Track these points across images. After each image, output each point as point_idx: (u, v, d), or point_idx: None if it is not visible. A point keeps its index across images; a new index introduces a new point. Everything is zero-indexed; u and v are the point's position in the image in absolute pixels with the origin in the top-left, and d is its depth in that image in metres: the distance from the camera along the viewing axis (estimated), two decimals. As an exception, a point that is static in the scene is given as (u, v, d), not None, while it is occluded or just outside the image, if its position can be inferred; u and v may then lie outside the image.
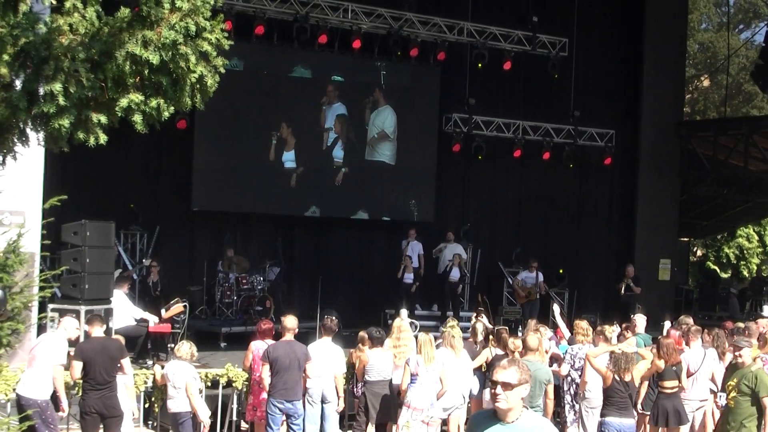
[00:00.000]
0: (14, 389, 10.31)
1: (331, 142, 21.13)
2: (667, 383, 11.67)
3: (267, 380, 10.91)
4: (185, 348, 11.12)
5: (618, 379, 10.65)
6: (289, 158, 20.67)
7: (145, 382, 11.78)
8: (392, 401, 11.63)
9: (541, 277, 21.20)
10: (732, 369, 10.78)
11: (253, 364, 11.64)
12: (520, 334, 14.19)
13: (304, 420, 11.29)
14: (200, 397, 11.34)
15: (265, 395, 11.38)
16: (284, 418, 11.06)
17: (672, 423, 11.73)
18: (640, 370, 11.52)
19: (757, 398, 10.02)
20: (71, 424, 11.22)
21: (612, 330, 12.21)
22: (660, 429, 11.93)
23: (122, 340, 11.35)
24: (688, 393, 12.37)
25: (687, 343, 12.82)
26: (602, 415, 10.81)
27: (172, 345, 13.62)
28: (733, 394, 10.22)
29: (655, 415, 11.62)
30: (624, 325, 13.99)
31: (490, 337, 12.69)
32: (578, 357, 12.05)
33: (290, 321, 11.29)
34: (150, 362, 14.16)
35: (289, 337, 11.17)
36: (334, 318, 12.19)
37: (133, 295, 16.80)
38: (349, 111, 21.36)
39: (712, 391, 12.84)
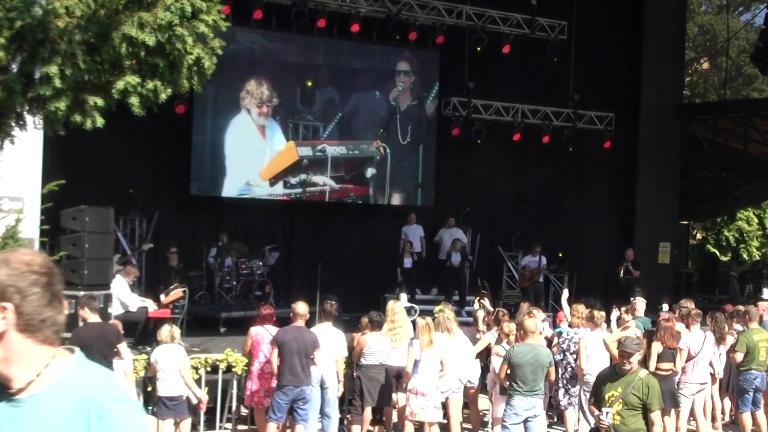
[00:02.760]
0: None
1: (324, 126, 21.11)
2: (663, 365, 11.70)
3: (275, 364, 10.91)
4: (165, 331, 11.19)
5: None
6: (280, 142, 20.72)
7: (145, 368, 11.78)
8: (388, 386, 11.65)
9: (544, 261, 21.20)
10: (612, 376, 8.71)
11: (252, 350, 11.64)
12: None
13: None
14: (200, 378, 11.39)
15: (265, 381, 11.41)
16: (290, 404, 11.01)
17: (667, 405, 11.75)
18: (657, 351, 11.57)
19: (647, 412, 8.37)
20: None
21: (601, 315, 12.21)
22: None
23: (120, 325, 11.35)
24: (689, 376, 12.42)
25: (687, 327, 12.86)
26: None
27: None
28: (618, 407, 8.41)
29: None
30: (624, 309, 13.99)
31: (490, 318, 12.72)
32: (573, 341, 12.08)
33: (301, 307, 11.30)
34: (150, 348, 14.14)
35: (300, 323, 11.17)
36: (333, 303, 12.19)
37: (130, 283, 16.78)
38: (347, 95, 21.34)
39: (710, 374, 12.89)
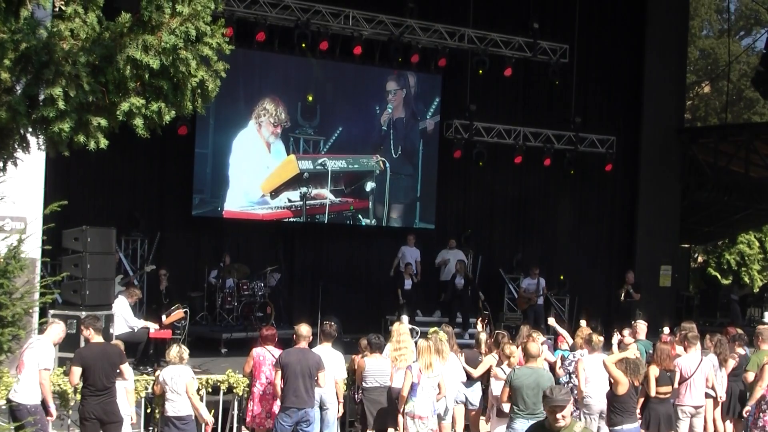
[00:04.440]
0: (7, 396, 10.24)
1: (324, 140, 21.25)
2: (661, 389, 11.69)
3: (279, 386, 10.89)
4: (174, 351, 11.16)
5: (634, 385, 10.67)
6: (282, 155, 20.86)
7: (146, 388, 11.76)
8: (390, 408, 11.62)
9: (543, 283, 21.17)
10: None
11: (254, 371, 11.62)
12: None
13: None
14: (201, 399, 11.37)
15: (266, 403, 11.39)
16: (293, 426, 10.97)
17: (663, 428, 11.75)
18: (654, 374, 11.56)
19: None
20: (72, 430, 11.21)
21: (599, 340, 12.17)
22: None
23: (122, 345, 11.35)
24: (683, 399, 12.39)
25: (685, 349, 12.83)
26: (615, 423, 10.71)
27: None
28: None
29: (647, 420, 11.62)
30: (627, 331, 13.93)
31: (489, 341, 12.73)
32: (575, 362, 12.06)
33: (304, 329, 11.25)
34: (150, 368, 14.14)
35: (303, 344, 11.15)
36: (333, 324, 12.16)
37: (134, 305, 16.82)
38: (347, 109, 21.50)
39: (709, 396, 12.84)
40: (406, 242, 21.03)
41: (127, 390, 10.91)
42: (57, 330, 10.53)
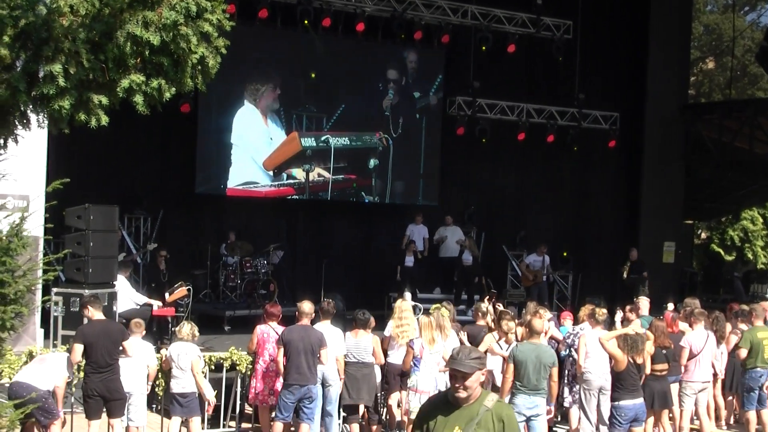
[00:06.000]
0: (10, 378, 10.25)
1: (327, 117, 21.23)
2: (656, 366, 11.70)
3: (281, 363, 10.92)
4: (186, 328, 11.21)
5: (632, 361, 10.66)
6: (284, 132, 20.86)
7: (148, 366, 11.79)
8: (367, 383, 11.66)
9: (548, 260, 21.17)
10: (443, 408, 5.61)
11: (258, 348, 11.65)
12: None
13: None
14: (204, 377, 11.41)
15: (269, 380, 11.42)
16: (296, 403, 11.01)
17: (657, 405, 11.77)
18: (649, 352, 11.56)
19: None
20: (75, 408, 11.25)
21: (603, 312, 12.17)
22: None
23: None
24: (691, 375, 12.43)
25: (690, 326, 12.85)
26: (614, 399, 10.76)
27: (175, 328, 13.64)
28: None
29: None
30: (628, 308, 13.95)
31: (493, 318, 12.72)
32: (579, 337, 12.04)
33: (307, 306, 11.29)
34: (154, 346, 14.16)
35: (305, 322, 11.17)
36: (330, 301, 12.17)
37: (136, 280, 16.85)
38: (350, 86, 21.44)
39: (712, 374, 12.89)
40: (414, 221, 21.02)
41: (150, 367, 10.97)
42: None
